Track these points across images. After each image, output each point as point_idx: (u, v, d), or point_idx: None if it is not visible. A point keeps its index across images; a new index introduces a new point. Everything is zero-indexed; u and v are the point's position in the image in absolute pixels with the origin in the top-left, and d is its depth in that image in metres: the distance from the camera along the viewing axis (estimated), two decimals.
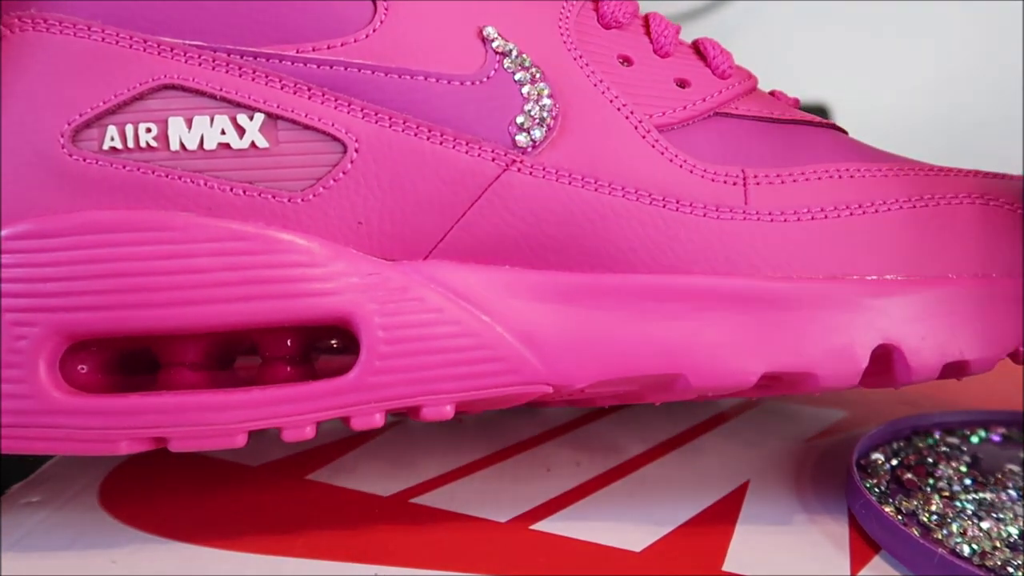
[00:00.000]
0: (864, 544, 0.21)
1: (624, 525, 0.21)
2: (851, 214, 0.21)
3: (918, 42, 0.22)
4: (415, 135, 0.20)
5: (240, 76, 0.20)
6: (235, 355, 0.22)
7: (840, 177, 0.22)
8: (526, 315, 0.20)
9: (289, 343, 0.21)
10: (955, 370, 0.21)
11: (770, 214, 0.21)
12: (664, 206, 0.20)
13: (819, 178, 0.21)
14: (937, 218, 0.21)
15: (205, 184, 0.19)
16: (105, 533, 0.21)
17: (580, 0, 0.22)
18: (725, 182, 0.21)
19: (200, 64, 0.20)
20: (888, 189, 0.21)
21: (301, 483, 0.23)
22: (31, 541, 0.21)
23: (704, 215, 0.21)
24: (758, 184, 0.21)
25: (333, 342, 0.21)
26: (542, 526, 0.22)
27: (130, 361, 0.21)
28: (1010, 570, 0.19)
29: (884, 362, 0.20)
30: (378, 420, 0.20)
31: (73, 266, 0.19)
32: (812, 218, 0.21)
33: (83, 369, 0.20)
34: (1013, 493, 0.22)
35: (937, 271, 0.21)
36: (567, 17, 0.22)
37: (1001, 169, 0.23)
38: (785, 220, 0.21)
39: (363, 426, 0.20)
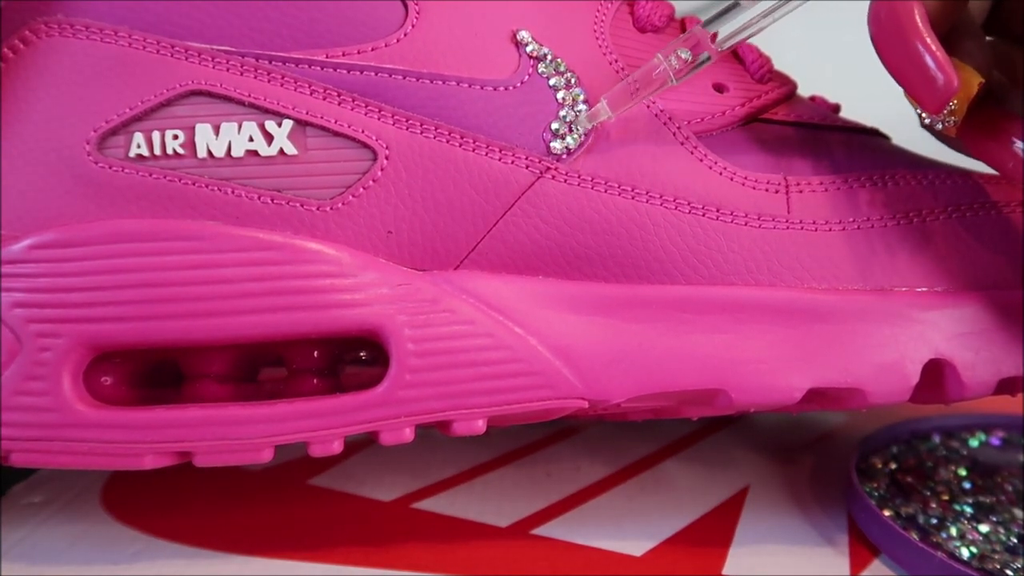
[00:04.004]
0: (863, 548, 0.21)
1: (624, 530, 0.21)
2: (898, 223, 0.20)
3: None
4: (447, 142, 0.19)
5: (269, 81, 0.19)
6: (261, 367, 0.21)
7: (885, 185, 0.21)
8: (561, 327, 0.19)
9: (316, 355, 0.20)
10: (1010, 386, 0.20)
11: (814, 223, 0.20)
12: (704, 215, 0.20)
13: (863, 186, 0.21)
14: (988, 226, 0.20)
15: (232, 192, 0.19)
16: (106, 534, 0.21)
17: (616, 1, 0.21)
18: (767, 190, 0.20)
19: (228, 69, 0.19)
20: (936, 197, 0.21)
21: (303, 487, 0.23)
22: (32, 542, 0.21)
23: (745, 224, 0.20)
24: (800, 192, 0.20)
25: (362, 354, 0.21)
26: (542, 531, 0.22)
27: (154, 373, 0.21)
28: (1009, 573, 0.19)
29: (935, 378, 0.19)
30: (408, 435, 0.19)
31: (99, 276, 0.18)
32: (858, 227, 0.20)
33: (107, 381, 0.19)
34: (1012, 496, 0.22)
35: (990, 282, 0.20)
36: (602, 20, 0.21)
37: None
38: (830, 229, 0.20)
39: (392, 441, 0.19)
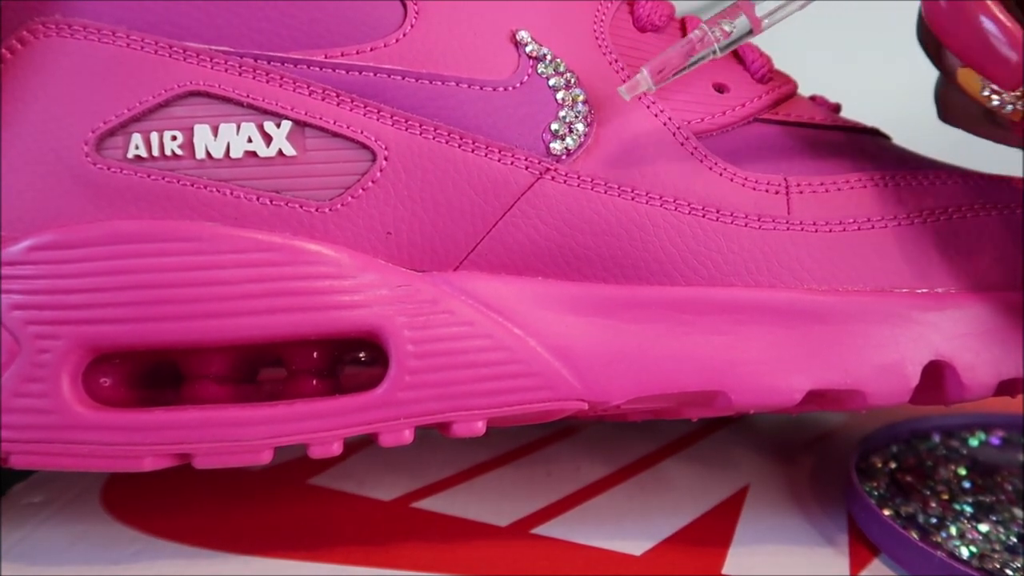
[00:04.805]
0: (863, 547, 0.21)
1: (624, 529, 0.21)
2: (899, 224, 0.20)
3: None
4: (446, 143, 0.19)
5: (267, 82, 0.19)
6: (260, 367, 0.21)
7: (886, 185, 0.21)
8: (560, 328, 0.19)
9: (315, 356, 0.20)
10: (1010, 388, 0.20)
11: (814, 224, 0.20)
12: (704, 216, 0.20)
13: (864, 186, 0.21)
14: (990, 227, 0.20)
15: (231, 193, 0.19)
16: (106, 534, 0.21)
17: (616, 1, 0.21)
18: (767, 191, 0.20)
19: (226, 70, 0.19)
20: (937, 197, 0.21)
21: (303, 487, 0.23)
22: (32, 542, 0.21)
23: (746, 225, 0.20)
24: (801, 193, 0.20)
25: (361, 355, 0.21)
26: (542, 530, 0.22)
27: (153, 373, 0.21)
28: (1009, 572, 0.19)
29: (935, 379, 0.19)
30: (407, 436, 0.19)
31: (97, 277, 0.18)
32: (858, 228, 0.20)
33: (106, 382, 0.19)
34: (1012, 496, 0.22)
35: (991, 283, 0.20)
36: (602, 20, 0.21)
37: (1000, 170, 0.22)
38: (830, 230, 0.20)
39: (392, 443, 0.19)
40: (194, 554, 0.20)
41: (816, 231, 0.20)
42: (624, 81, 0.20)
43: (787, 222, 0.20)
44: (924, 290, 0.20)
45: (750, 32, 0.19)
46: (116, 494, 0.23)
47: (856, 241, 0.20)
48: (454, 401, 0.19)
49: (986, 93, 0.19)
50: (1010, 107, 0.19)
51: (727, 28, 0.19)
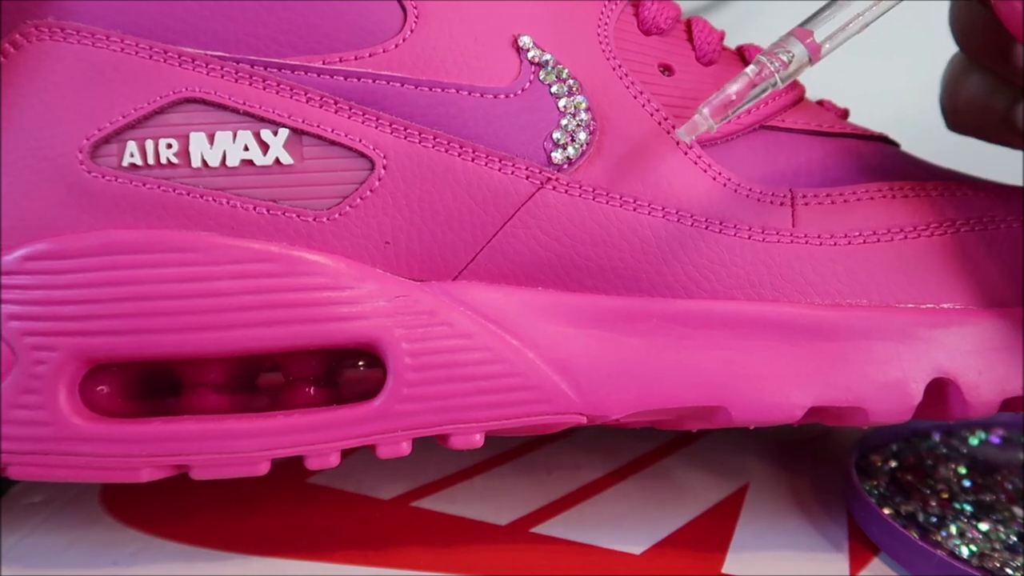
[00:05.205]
0: (863, 546, 0.21)
1: (624, 528, 0.22)
2: (904, 237, 0.20)
3: (919, 42, 0.21)
4: (446, 151, 0.19)
5: (264, 89, 0.19)
6: (259, 374, 0.21)
7: (893, 197, 0.20)
8: (559, 341, 0.19)
9: (314, 364, 0.20)
10: (1014, 405, 0.20)
11: (819, 237, 0.20)
12: (707, 228, 0.19)
13: (871, 198, 0.20)
14: (998, 242, 0.20)
15: (227, 202, 0.19)
16: (106, 534, 0.21)
17: (621, 3, 0.21)
18: (772, 202, 0.20)
19: (222, 76, 0.19)
20: (944, 210, 0.20)
21: (303, 486, 0.23)
22: (32, 542, 0.21)
23: (749, 238, 0.19)
24: (806, 205, 0.20)
25: (360, 363, 0.21)
26: (542, 529, 0.22)
27: (152, 380, 0.20)
28: (1008, 572, 0.19)
29: (938, 396, 0.19)
30: (405, 448, 0.19)
31: (92, 289, 0.18)
32: (863, 241, 0.20)
33: (103, 390, 0.19)
34: (1012, 495, 0.22)
35: (998, 299, 0.20)
36: (606, 23, 0.21)
37: (1000, 171, 0.22)
38: (835, 244, 0.20)
39: (390, 454, 0.19)
40: (194, 554, 0.21)
41: (821, 244, 0.20)
42: (627, 88, 0.20)
43: (791, 235, 0.20)
44: (930, 305, 0.19)
45: (809, 60, 0.18)
46: (116, 494, 0.23)
47: (861, 255, 0.20)
48: (452, 414, 0.19)
49: None
50: None
51: (784, 58, 0.18)
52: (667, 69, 0.21)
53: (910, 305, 0.19)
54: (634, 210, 0.19)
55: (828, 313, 0.19)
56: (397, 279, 0.19)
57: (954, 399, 0.19)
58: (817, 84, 0.23)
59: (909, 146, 0.23)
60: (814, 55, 0.18)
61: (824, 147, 0.21)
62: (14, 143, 0.19)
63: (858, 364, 0.19)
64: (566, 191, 0.19)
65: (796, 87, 0.22)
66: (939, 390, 0.19)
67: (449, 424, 0.19)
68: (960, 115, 0.22)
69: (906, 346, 0.19)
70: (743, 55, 0.22)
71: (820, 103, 0.23)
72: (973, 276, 0.20)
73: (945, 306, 0.19)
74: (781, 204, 0.20)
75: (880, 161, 0.21)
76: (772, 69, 0.18)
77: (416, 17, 0.19)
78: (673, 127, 0.20)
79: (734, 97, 0.18)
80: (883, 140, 0.22)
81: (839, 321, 0.19)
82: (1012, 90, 0.20)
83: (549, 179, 0.19)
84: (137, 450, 0.18)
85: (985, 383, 0.19)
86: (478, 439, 0.19)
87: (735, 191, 0.20)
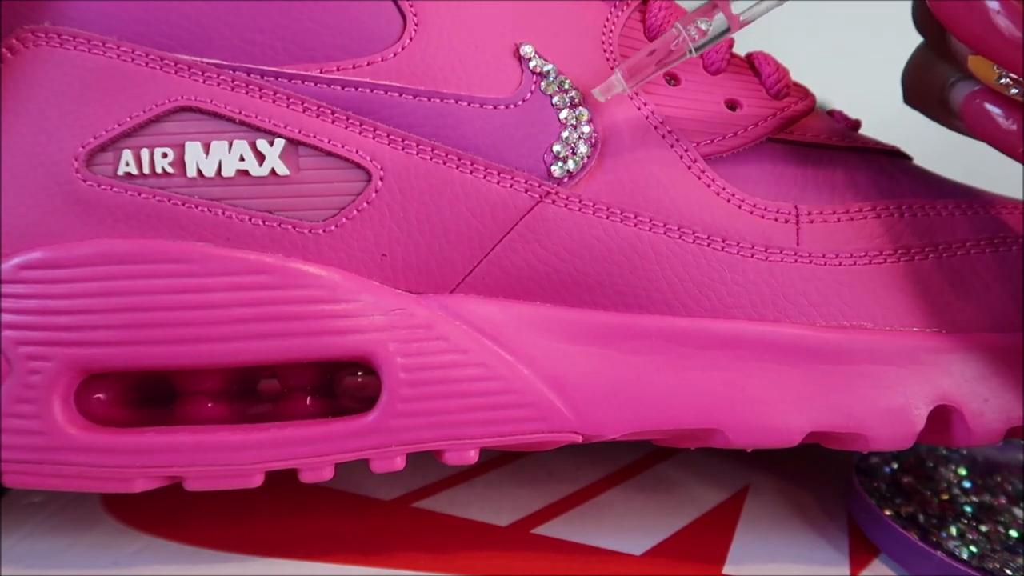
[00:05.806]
0: (863, 547, 0.21)
1: (624, 529, 0.21)
2: (911, 258, 0.19)
3: (918, 42, 0.21)
4: (444, 164, 0.19)
5: (260, 98, 0.18)
6: (257, 381, 0.21)
7: (901, 216, 0.20)
8: (556, 357, 0.19)
9: (311, 373, 0.20)
10: (1018, 433, 0.19)
11: (823, 256, 0.19)
12: (709, 245, 0.19)
13: (877, 216, 0.20)
14: (1010, 263, 0.19)
15: (223, 213, 0.18)
16: (106, 534, 0.21)
17: (627, 8, 0.20)
18: (776, 219, 0.19)
19: (218, 84, 0.18)
20: (954, 230, 0.20)
21: (303, 487, 0.23)
22: (32, 541, 0.21)
23: (752, 256, 0.19)
24: (811, 222, 0.19)
25: (359, 372, 0.21)
26: (543, 530, 0.22)
27: (149, 387, 0.20)
28: (1008, 572, 0.19)
29: (942, 423, 0.19)
30: (399, 463, 0.19)
31: (87, 299, 0.18)
32: (869, 262, 0.19)
33: (100, 398, 0.19)
34: (1012, 496, 0.22)
35: (1006, 324, 0.19)
36: (611, 30, 0.20)
37: (1000, 171, 0.21)
38: (839, 263, 0.19)
39: (384, 469, 0.19)
40: (194, 554, 0.21)
41: (825, 264, 0.19)
42: (631, 98, 0.20)
43: (795, 253, 0.19)
44: (935, 329, 0.19)
45: (727, 30, 0.18)
46: (116, 494, 0.23)
47: (866, 275, 0.19)
48: (446, 430, 0.19)
49: (1003, 81, 0.18)
50: None
51: (703, 27, 0.18)
52: (673, 78, 0.20)
53: (915, 329, 0.19)
54: (635, 225, 0.19)
55: (831, 335, 0.19)
56: (393, 292, 0.19)
57: (957, 427, 0.19)
58: (814, 84, 0.23)
59: (905, 145, 0.22)
60: (733, 25, 0.18)
61: (832, 161, 0.21)
62: (11, 151, 0.18)
63: (860, 389, 0.18)
64: (565, 205, 0.19)
65: (806, 98, 0.21)
66: (943, 417, 0.19)
67: (443, 440, 0.19)
68: (906, 89, 0.21)
69: (910, 371, 0.18)
70: (752, 63, 0.21)
71: (831, 113, 0.22)
72: (981, 299, 0.19)
73: (951, 330, 0.19)
74: (786, 221, 0.19)
75: (890, 176, 0.21)
76: (687, 37, 0.18)
77: (416, 24, 0.19)
78: (677, 140, 0.19)
79: (647, 63, 0.18)
80: (895, 154, 0.22)
81: (842, 344, 0.19)
82: (948, 68, 0.20)
83: (548, 193, 0.19)
84: (131, 461, 0.18)
85: (990, 411, 0.18)
86: (472, 455, 0.19)
87: (739, 207, 0.19)
